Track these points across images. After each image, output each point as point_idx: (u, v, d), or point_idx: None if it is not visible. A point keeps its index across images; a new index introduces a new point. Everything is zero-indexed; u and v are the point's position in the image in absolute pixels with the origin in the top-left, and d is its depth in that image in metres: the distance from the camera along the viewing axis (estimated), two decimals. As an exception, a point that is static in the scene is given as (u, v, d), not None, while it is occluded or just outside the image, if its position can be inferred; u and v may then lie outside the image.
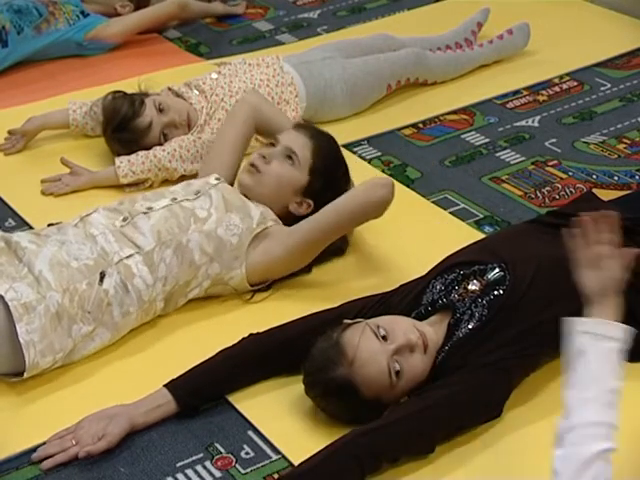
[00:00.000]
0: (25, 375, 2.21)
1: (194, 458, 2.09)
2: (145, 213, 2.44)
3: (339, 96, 3.26)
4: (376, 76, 3.33)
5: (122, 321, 2.33)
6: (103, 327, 2.31)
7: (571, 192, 2.91)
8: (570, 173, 3.01)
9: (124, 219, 2.42)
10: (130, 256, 2.34)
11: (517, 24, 3.62)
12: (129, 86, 3.10)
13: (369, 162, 3.10)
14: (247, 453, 2.09)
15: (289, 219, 2.56)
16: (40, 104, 3.34)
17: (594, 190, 2.84)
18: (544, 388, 2.20)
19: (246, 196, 2.57)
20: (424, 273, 2.33)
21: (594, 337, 1.71)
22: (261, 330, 2.28)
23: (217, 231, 2.45)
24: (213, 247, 2.44)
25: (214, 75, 3.19)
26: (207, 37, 4.01)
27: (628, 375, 2.22)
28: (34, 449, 2.10)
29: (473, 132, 3.26)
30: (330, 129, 3.21)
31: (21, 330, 2.18)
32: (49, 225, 2.49)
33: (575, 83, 3.53)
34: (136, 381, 2.26)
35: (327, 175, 2.60)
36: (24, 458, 2.09)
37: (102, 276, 2.30)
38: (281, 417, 2.17)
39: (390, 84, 3.36)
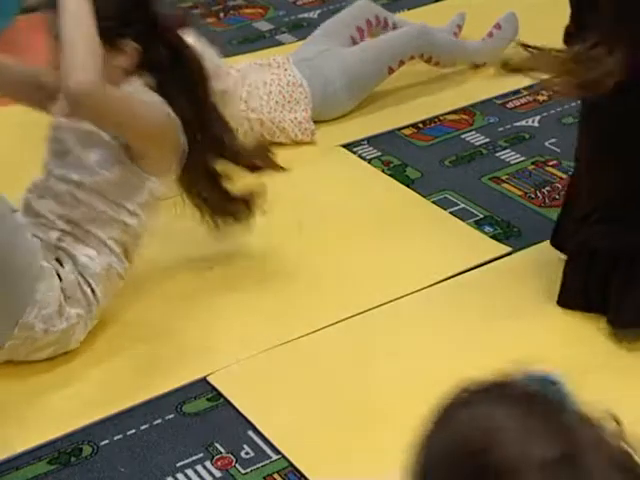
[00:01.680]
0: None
1: (194, 458, 2.09)
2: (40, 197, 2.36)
3: (340, 90, 3.25)
4: (375, 63, 3.30)
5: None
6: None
7: (571, 192, 2.91)
8: (570, 173, 3.01)
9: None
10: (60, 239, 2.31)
11: (503, 16, 3.59)
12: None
13: (369, 162, 3.10)
14: (247, 453, 2.09)
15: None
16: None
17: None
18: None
19: None
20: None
21: None
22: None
23: (89, 184, 2.31)
24: (100, 194, 2.31)
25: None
26: (207, 37, 4.00)
27: (628, 373, 2.24)
28: (34, 449, 2.10)
29: (473, 132, 3.26)
30: (330, 129, 3.25)
31: None
32: None
33: (575, 83, 3.53)
34: (136, 382, 2.27)
35: None
36: (24, 458, 2.09)
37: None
38: (281, 417, 2.17)
39: (391, 66, 3.33)
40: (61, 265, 2.28)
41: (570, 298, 2.42)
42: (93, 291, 2.30)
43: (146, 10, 2.33)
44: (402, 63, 3.36)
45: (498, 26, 3.58)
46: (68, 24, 2.13)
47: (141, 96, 2.30)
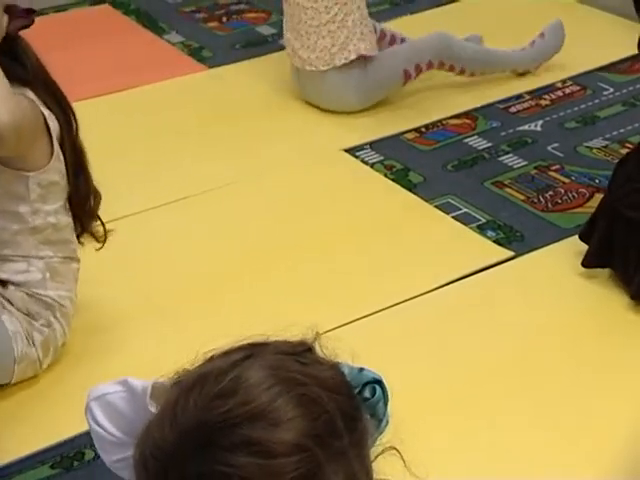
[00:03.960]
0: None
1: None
2: None
3: (354, 83, 3.26)
4: (389, 65, 3.29)
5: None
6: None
7: (574, 197, 2.91)
8: (573, 177, 3.01)
9: None
10: None
11: (549, 25, 3.53)
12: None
13: (372, 167, 3.10)
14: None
15: None
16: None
17: (596, 195, 2.85)
18: (545, 389, 2.21)
19: None
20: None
21: None
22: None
23: None
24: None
25: None
26: (209, 41, 4.01)
27: (627, 370, 2.24)
28: (37, 453, 2.10)
29: (476, 136, 3.26)
30: (332, 134, 3.25)
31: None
32: None
33: (578, 87, 3.53)
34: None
35: None
36: (27, 462, 2.09)
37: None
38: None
39: (407, 69, 3.30)
40: (4, 287, 2.20)
41: (594, 259, 2.49)
42: (47, 295, 2.22)
43: None
44: (419, 69, 3.33)
45: (542, 35, 3.53)
46: None
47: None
